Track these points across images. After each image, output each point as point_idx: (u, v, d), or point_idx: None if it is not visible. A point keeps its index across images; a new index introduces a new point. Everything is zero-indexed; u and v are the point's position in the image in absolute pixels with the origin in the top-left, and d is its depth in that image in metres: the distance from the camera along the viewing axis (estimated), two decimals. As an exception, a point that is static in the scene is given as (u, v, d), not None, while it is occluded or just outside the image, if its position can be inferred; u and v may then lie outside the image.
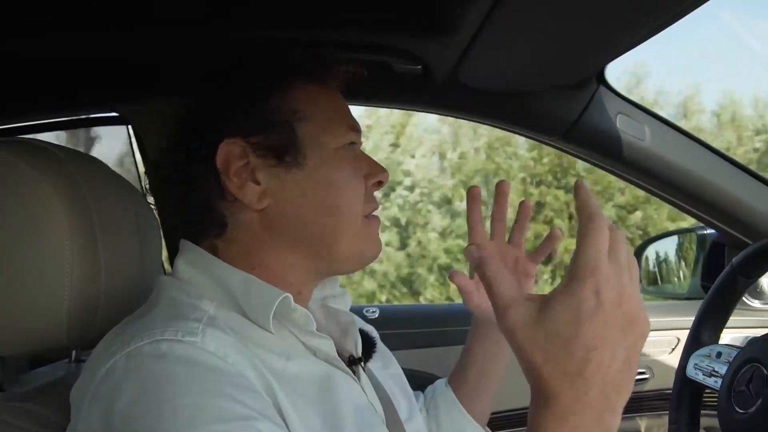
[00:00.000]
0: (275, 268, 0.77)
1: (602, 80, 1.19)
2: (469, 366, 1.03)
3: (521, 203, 0.95)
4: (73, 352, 0.93)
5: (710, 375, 1.04)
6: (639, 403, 1.46)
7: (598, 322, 0.50)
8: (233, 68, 0.80)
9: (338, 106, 0.82)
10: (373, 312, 1.41)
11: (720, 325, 1.10)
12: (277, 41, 0.83)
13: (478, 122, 1.30)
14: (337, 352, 0.78)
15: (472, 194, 0.88)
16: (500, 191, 0.91)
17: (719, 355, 1.04)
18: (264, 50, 0.81)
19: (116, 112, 1.22)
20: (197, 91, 0.80)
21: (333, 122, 0.80)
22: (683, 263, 1.58)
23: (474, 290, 0.93)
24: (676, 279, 1.60)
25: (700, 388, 1.06)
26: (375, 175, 0.82)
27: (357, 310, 1.24)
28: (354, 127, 0.82)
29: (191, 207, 0.77)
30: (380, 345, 0.93)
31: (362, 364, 0.82)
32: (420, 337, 1.40)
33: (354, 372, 0.79)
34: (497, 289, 0.55)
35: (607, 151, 1.23)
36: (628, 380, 0.52)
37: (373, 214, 0.83)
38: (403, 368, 1.02)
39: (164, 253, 1.14)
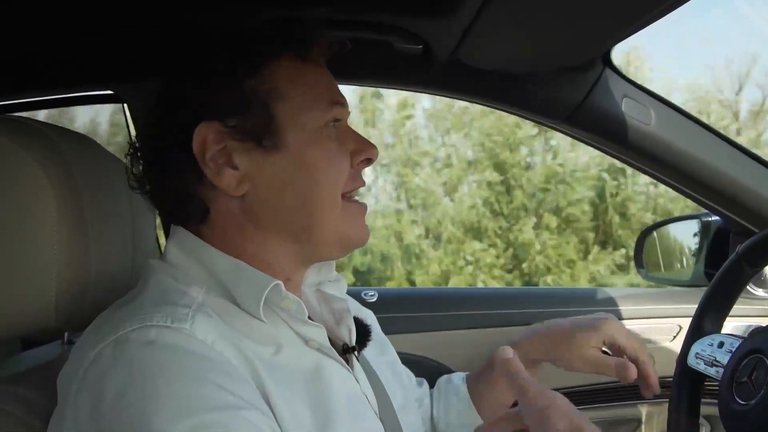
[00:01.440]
0: (261, 254, 0.75)
1: (608, 62, 1.16)
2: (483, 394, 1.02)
3: None
4: (66, 334, 0.92)
5: (712, 365, 1.02)
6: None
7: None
8: (209, 48, 0.76)
9: (319, 81, 0.78)
10: (372, 295, 1.40)
11: (723, 314, 1.08)
12: (262, 20, 0.77)
13: (479, 104, 1.28)
14: (331, 341, 0.77)
15: None
16: None
17: (721, 344, 1.02)
18: (239, 28, 0.77)
19: (111, 90, 1.20)
20: (176, 72, 0.77)
21: (313, 99, 0.75)
22: (686, 250, 1.56)
23: None
24: (678, 266, 1.57)
25: (701, 377, 1.05)
26: (362, 152, 0.79)
27: (355, 293, 1.22)
28: (337, 101, 0.77)
29: (172, 193, 0.75)
30: (376, 332, 0.91)
31: (356, 353, 0.80)
32: (418, 321, 1.39)
33: (347, 361, 0.78)
34: None
35: (612, 134, 1.21)
36: None
37: (358, 200, 0.80)
38: (400, 353, 1.00)
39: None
